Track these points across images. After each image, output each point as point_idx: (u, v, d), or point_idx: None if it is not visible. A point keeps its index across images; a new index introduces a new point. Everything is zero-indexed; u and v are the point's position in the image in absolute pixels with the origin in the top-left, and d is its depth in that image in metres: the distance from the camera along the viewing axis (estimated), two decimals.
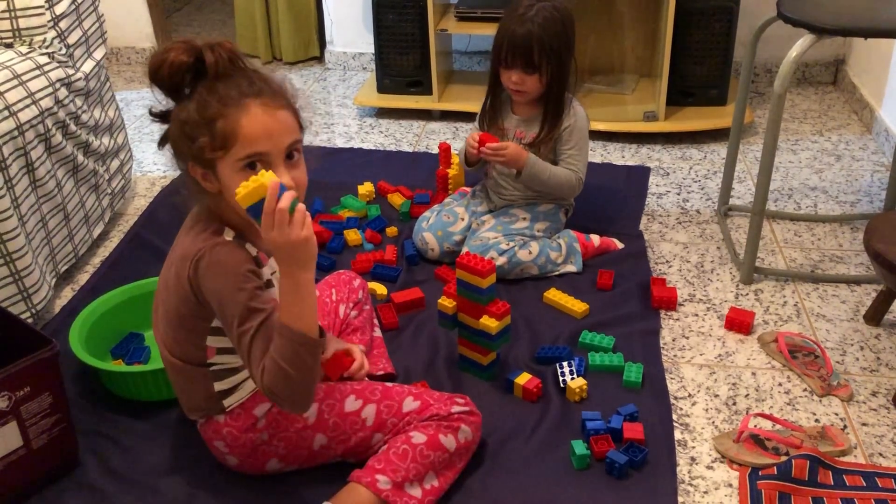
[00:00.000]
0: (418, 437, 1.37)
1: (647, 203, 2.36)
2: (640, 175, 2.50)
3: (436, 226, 2.07)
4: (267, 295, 1.25)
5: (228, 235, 1.28)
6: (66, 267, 2.03)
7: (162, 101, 1.25)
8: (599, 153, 2.66)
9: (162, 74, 1.19)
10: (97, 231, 2.17)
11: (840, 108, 2.96)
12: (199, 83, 1.21)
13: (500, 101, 2.06)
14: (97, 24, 2.19)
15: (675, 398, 1.65)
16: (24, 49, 1.95)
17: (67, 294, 2.02)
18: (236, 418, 1.37)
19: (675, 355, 1.77)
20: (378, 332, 1.75)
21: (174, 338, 1.33)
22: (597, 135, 2.71)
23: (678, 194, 2.41)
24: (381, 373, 1.65)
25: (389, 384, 1.47)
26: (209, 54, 1.19)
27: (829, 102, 3.00)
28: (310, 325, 1.19)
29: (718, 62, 2.73)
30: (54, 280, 1.96)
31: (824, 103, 3.00)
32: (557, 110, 1.98)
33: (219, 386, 1.35)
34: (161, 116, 1.26)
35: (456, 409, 1.42)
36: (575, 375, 1.65)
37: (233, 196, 1.19)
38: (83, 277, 2.09)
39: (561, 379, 1.65)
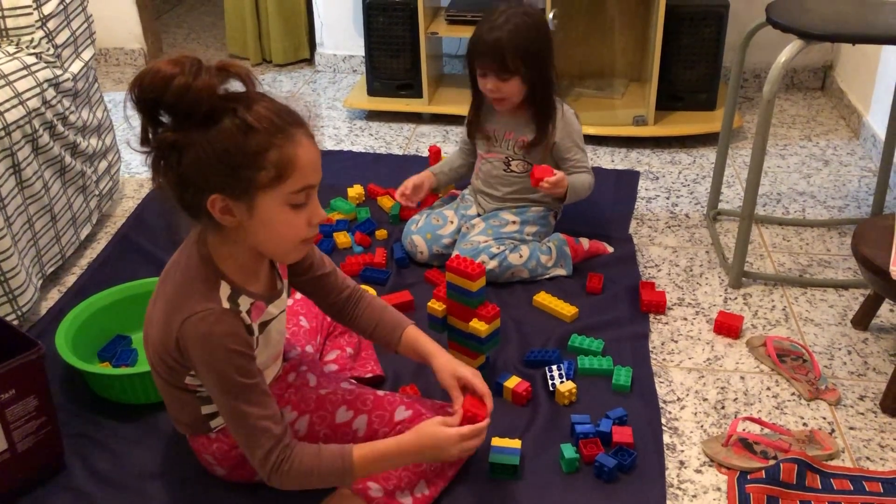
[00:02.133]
0: None
1: (636, 207, 2.37)
2: (629, 179, 2.51)
3: (424, 229, 2.06)
4: (254, 367, 1.22)
5: (224, 293, 1.20)
6: (52, 269, 2.01)
7: (134, 128, 1.12)
8: (589, 157, 2.66)
9: (191, 99, 1.05)
10: (84, 233, 2.16)
11: (828, 113, 2.97)
12: (235, 106, 1.09)
13: (484, 106, 2.05)
14: (85, 25, 2.18)
15: (664, 402, 1.65)
16: (11, 49, 1.94)
17: (54, 296, 2.01)
18: (226, 435, 1.35)
19: (664, 359, 1.77)
20: None
21: (161, 363, 1.28)
22: (586, 139, 2.68)
23: (667, 198, 2.42)
24: (370, 375, 1.65)
25: (381, 392, 1.46)
26: (244, 75, 1.09)
27: (817, 108, 3.02)
28: (370, 475, 1.30)
29: (708, 67, 2.74)
30: (41, 282, 1.95)
31: (812, 109, 3.01)
32: (546, 112, 1.97)
33: (206, 409, 1.33)
34: (168, 146, 1.10)
35: None
36: (564, 379, 1.65)
37: (270, 232, 1.15)
38: (70, 279, 2.07)
39: (550, 382, 1.64)
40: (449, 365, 1.38)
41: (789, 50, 1.75)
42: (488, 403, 1.34)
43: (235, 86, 1.12)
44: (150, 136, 1.11)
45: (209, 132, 1.08)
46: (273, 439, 1.21)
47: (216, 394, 1.21)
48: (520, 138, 2.01)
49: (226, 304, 1.20)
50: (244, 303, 1.23)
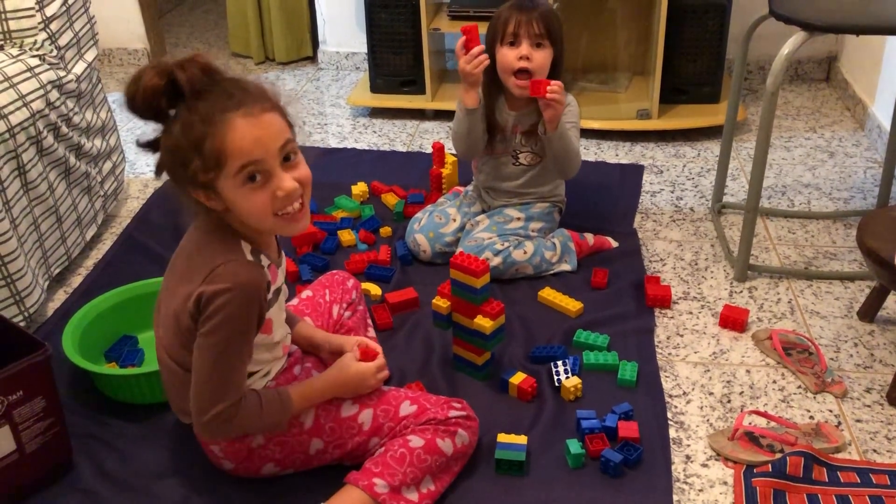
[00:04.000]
0: (416, 441, 1.37)
1: (640, 201, 2.36)
2: (633, 173, 2.50)
3: (427, 227, 2.06)
4: (256, 325, 1.28)
5: (246, 249, 1.27)
6: (58, 270, 2.02)
7: (147, 128, 1.22)
8: (593, 151, 2.66)
9: (137, 103, 1.17)
10: (90, 233, 2.17)
11: (833, 104, 2.96)
12: (180, 104, 1.18)
13: (494, 101, 2.04)
14: (88, 26, 2.18)
15: (670, 396, 1.65)
16: (14, 51, 1.95)
17: (60, 297, 2.02)
18: None
19: (669, 353, 1.77)
20: (372, 333, 1.75)
21: (172, 342, 1.32)
22: (590, 133, 2.71)
23: (672, 192, 2.41)
24: None
25: (385, 387, 1.46)
26: (180, 73, 1.16)
27: (821, 99, 3.01)
28: (304, 411, 1.37)
29: (711, 60, 2.73)
30: (47, 283, 1.96)
31: (817, 100, 3.00)
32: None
33: None
34: (151, 146, 1.23)
35: (453, 413, 1.41)
36: (570, 374, 1.65)
37: (242, 212, 1.21)
38: (76, 280, 2.08)
39: (556, 378, 1.65)
40: (345, 337, 1.53)
41: (792, 42, 1.75)
42: (377, 348, 1.50)
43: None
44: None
45: (165, 133, 1.20)
46: (238, 394, 1.27)
47: (213, 341, 1.23)
48: (524, 129, 2.00)
49: (249, 258, 1.26)
50: (264, 261, 1.29)
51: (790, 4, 1.85)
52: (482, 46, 1.86)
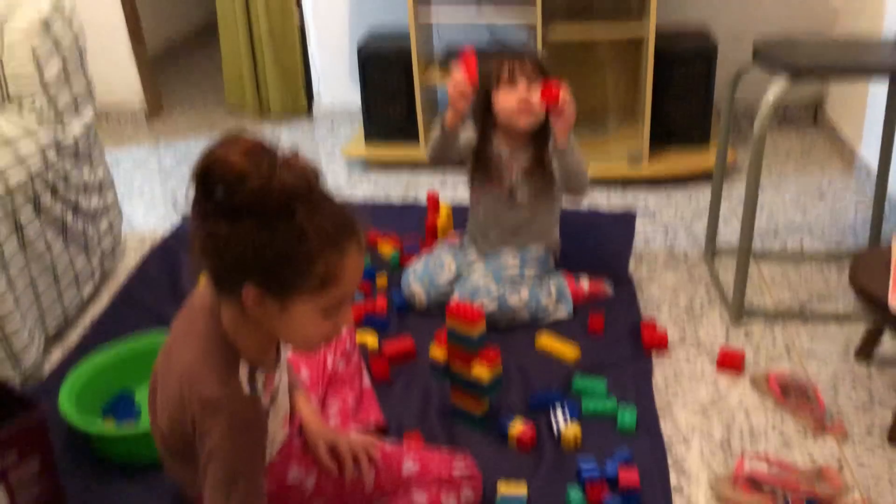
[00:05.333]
0: (420, 498, 1.36)
1: (634, 246, 2.38)
2: (626, 218, 2.52)
3: (422, 275, 2.07)
4: (264, 455, 1.20)
5: (243, 374, 1.16)
6: (55, 328, 2.02)
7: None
8: (586, 198, 2.68)
9: (273, 198, 1.02)
10: (87, 291, 2.17)
11: (821, 147, 3.00)
12: (296, 207, 1.05)
13: (489, 139, 2.04)
14: (86, 86, 2.22)
15: (670, 441, 1.64)
16: (13, 113, 1.97)
17: (57, 355, 2.01)
18: None
19: (668, 398, 1.77)
20: (367, 382, 1.74)
21: (170, 434, 1.24)
22: None
23: (665, 236, 2.43)
24: (373, 424, 1.64)
25: (387, 446, 1.45)
26: (312, 178, 1.06)
27: (810, 142, 3.05)
28: None
29: (699, 105, 2.78)
30: (43, 342, 1.95)
31: (806, 143, 3.04)
32: (546, 131, 1.98)
33: None
34: (220, 235, 1.05)
35: (457, 472, 1.40)
36: (569, 421, 1.64)
37: (294, 330, 1.12)
38: (73, 338, 2.08)
39: (555, 425, 1.64)
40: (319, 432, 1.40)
41: (778, 87, 1.78)
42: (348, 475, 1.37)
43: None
44: (201, 208, 1.07)
45: (263, 230, 1.04)
46: None
47: (220, 477, 1.14)
48: (522, 166, 2.03)
49: (246, 388, 1.15)
50: (260, 379, 1.20)
51: (774, 52, 1.89)
52: (472, 78, 1.88)
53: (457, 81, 1.88)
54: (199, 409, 1.12)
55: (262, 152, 1.03)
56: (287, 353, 1.63)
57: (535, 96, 1.92)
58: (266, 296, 1.08)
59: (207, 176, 1.03)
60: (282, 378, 1.31)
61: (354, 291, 1.14)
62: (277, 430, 1.32)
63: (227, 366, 1.15)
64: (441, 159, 2.06)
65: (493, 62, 1.96)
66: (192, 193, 1.06)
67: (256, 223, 1.04)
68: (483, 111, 2.00)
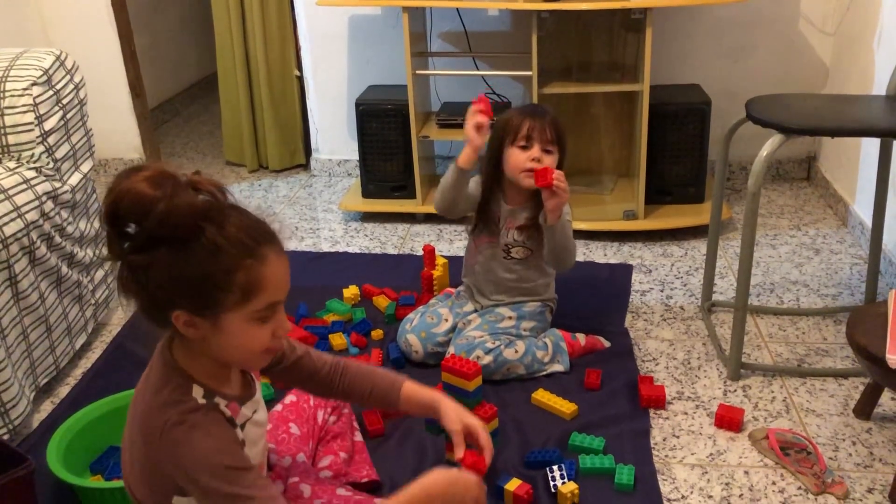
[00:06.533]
0: None
1: (630, 300, 2.38)
2: (622, 273, 2.52)
3: (419, 327, 2.06)
4: (243, 454, 1.18)
5: (198, 394, 1.17)
6: (46, 380, 2.00)
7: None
8: (581, 251, 2.69)
9: (175, 220, 1.03)
10: (80, 342, 2.15)
11: (815, 202, 3.02)
12: (203, 227, 1.07)
13: (492, 194, 2.06)
14: (85, 139, 2.24)
15: (668, 500, 1.61)
16: (11, 164, 1.98)
17: (47, 407, 1.98)
18: None
19: (666, 455, 1.74)
20: (359, 437, 1.71)
21: (141, 491, 1.22)
22: (578, 234, 2.74)
23: (661, 291, 2.43)
24: (366, 480, 1.61)
25: (378, 500, 1.41)
26: (218, 194, 1.08)
27: (804, 197, 3.07)
28: None
29: (694, 161, 2.81)
30: (34, 394, 1.93)
31: (800, 198, 3.07)
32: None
33: None
34: (137, 267, 1.07)
35: None
36: (566, 479, 1.61)
37: (231, 345, 1.13)
38: (64, 390, 2.05)
39: (552, 483, 1.61)
40: (456, 409, 1.41)
41: (770, 144, 1.80)
42: (487, 458, 1.38)
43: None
44: (116, 247, 1.09)
45: (178, 253, 1.06)
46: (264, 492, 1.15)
47: (213, 495, 1.14)
48: (519, 224, 2.03)
49: (201, 401, 1.17)
50: (221, 402, 1.19)
51: (766, 109, 1.91)
52: (488, 114, 1.94)
53: (474, 115, 1.92)
54: (161, 435, 1.12)
55: (165, 177, 1.05)
56: (277, 406, 1.62)
57: (547, 162, 1.94)
58: (195, 317, 1.10)
59: (117, 211, 1.05)
60: (256, 420, 1.28)
61: (283, 297, 1.15)
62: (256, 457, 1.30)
63: (179, 390, 1.16)
64: (448, 207, 2.05)
65: (512, 115, 1.98)
66: (105, 235, 1.08)
67: (169, 248, 1.06)
68: (493, 163, 2.01)
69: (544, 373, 2.00)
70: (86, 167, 2.22)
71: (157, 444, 1.14)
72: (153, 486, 1.20)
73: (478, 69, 3.09)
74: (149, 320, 1.15)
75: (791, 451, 1.71)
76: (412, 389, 1.44)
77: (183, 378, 1.18)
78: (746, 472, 1.68)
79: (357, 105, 2.94)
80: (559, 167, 1.98)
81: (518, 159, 1.96)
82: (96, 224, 2.26)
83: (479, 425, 1.40)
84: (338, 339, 2.16)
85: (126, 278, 1.10)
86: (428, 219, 2.98)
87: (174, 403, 1.15)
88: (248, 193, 3.33)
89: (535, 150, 1.94)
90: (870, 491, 1.62)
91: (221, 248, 1.07)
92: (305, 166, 3.58)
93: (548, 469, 1.65)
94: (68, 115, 2.13)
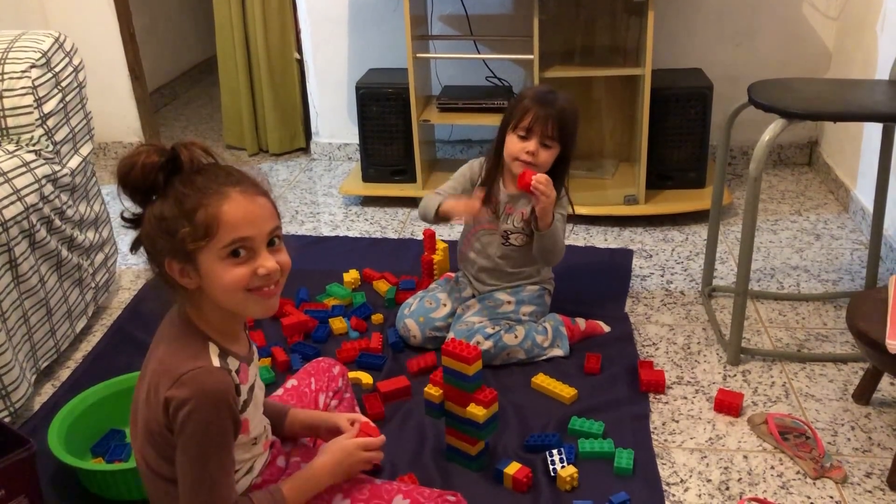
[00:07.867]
0: None
1: (631, 285, 2.38)
2: (623, 257, 2.52)
3: (417, 312, 2.06)
4: (232, 432, 1.24)
5: (213, 353, 1.23)
6: (47, 363, 2.00)
7: (131, 209, 1.23)
8: (582, 236, 2.69)
9: (134, 176, 1.17)
10: (80, 325, 2.15)
11: (816, 188, 3.02)
12: (176, 179, 1.19)
13: (495, 175, 2.05)
14: (84, 121, 2.23)
15: (668, 484, 1.62)
16: (11, 147, 1.98)
17: (48, 390, 1.99)
18: None
19: (665, 440, 1.75)
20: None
21: (149, 451, 1.27)
22: (579, 219, 2.75)
23: (662, 276, 2.43)
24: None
25: (378, 481, 1.43)
26: (184, 151, 1.18)
27: (805, 183, 3.07)
28: None
29: (695, 146, 2.80)
30: (34, 377, 1.93)
31: (801, 183, 3.06)
32: (555, 191, 1.99)
33: None
34: (133, 221, 1.23)
35: None
36: (565, 463, 1.62)
37: (215, 287, 1.19)
38: (64, 373, 2.05)
39: (551, 467, 1.62)
40: (340, 415, 1.51)
41: (772, 129, 1.79)
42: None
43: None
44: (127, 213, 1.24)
45: (156, 204, 1.19)
46: None
47: (191, 455, 1.20)
48: (521, 210, 2.03)
49: (216, 363, 1.22)
50: (232, 364, 1.25)
51: (768, 93, 1.90)
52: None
53: (471, 208, 1.94)
54: (170, 386, 1.19)
55: (154, 146, 1.18)
56: (278, 390, 1.62)
57: (543, 156, 1.93)
58: (184, 265, 1.19)
59: (125, 181, 1.18)
60: (256, 377, 1.34)
61: (252, 235, 1.20)
62: (261, 432, 1.36)
63: (196, 347, 1.23)
64: (428, 222, 2.06)
65: (524, 97, 1.96)
66: (130, 205, 1.21)
67: (153, 204, 1.19)
68: (498, 144, 2.00)
69: (544, 357, 2.01)
70: (85, 150, 2.21)
71: (164, 394, 1.19)
72: (157, 446, 1.24)
73: (479, 52, 3.08)
74: (158, 277, 1.24)
75: (790, 436, 1.71)
76: (295, 412, 1.51)
77: (199, 336, 1.24)
78: (745, 457, 1.69)
79: (357, 88, 2.93)
80: (564, 160, 1.97)
81: (514, 148, 1.95)
82: (96, 207, 2.26)
83: (368, 420, 1.48)
84: (338, 324, 2.16)
85: (134, 241, 1.24)
86: None
87: (191, 357, 1.21)
88: None
89: (532, 144, 1.92)
90: (868, 475, 1.62)
91: (187, 194, 1.17)
92: (305, 150, 3.58)
93: (547, 453, 1.65)
94: (67, 98, 2.12)
